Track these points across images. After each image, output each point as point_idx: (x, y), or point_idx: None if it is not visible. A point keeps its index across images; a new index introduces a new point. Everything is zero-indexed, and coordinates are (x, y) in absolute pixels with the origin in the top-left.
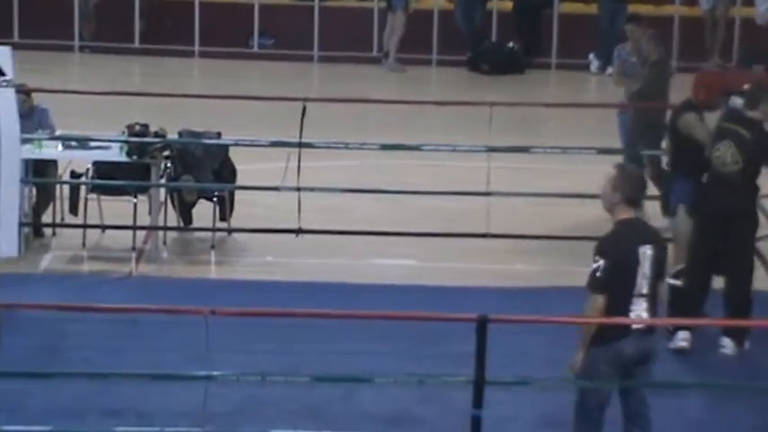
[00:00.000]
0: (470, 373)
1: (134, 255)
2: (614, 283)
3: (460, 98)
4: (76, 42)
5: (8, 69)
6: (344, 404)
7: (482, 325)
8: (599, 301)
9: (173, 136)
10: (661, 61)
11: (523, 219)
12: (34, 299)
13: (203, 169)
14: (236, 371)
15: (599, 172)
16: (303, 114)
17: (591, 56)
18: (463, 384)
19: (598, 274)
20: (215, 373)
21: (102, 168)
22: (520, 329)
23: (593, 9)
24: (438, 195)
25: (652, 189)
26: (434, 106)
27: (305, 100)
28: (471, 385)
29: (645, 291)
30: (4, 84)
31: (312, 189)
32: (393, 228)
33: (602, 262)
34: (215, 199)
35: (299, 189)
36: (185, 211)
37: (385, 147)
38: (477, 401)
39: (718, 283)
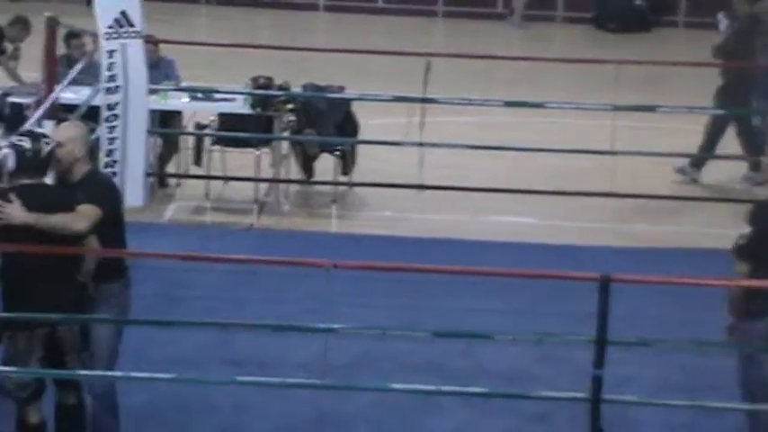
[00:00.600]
0: (590, 333)
1: (256, 207)
2: (760, 253)
3: (585, 56)
4: None
5: (137, 20)
6: (463, 360)
7: (604, 284)
8: (742, 268)
9: (296, 89)
10: (752, 17)
11: (647, 178)
12: (158, 248)
13: (326, 123)
14: (356, 324)
15: (728, 133)
16: (427, 70)
17: (719, 15)
18: (583, 344)
19: (743, 240)
20: (335, 325)
21: (226, 120)
22: (642, 290)
23: None
24: (561, 153)
25: None
26: (559, 64)
27: (429, 55)
28: (591, 345)
29: None
30: (133, 35)
31: (434, 145)
32: (515, 185)
33: (750, 229)
34: (337, 153)
35: (421, 144)
36: (307, 165)
37: (509, 104)
38: (599, 361)
39: None
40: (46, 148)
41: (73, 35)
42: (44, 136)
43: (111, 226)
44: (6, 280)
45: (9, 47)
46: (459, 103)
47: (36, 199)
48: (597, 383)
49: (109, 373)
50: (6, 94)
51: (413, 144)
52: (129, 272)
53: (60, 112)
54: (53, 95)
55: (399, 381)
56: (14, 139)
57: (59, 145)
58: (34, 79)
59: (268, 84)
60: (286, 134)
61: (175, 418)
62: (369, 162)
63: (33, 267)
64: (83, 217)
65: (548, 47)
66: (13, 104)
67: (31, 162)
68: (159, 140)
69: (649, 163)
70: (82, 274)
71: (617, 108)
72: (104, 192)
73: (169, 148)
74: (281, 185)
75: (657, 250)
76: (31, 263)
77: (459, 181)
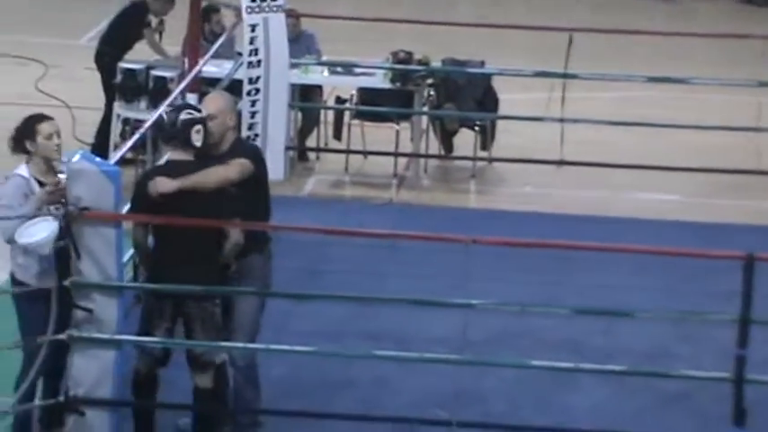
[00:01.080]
0: (734, 312)
1: (395, 181)
2: None
3: (731, 31)
4: None
5: None
6: (602, 338)
7: (749, 263)
8: None
9: (436, 64)
10: None
11: None
12: (298, 221)
13: (466, 98)
14: (495, 300)
15: None
16: (569, 45)
17: None
18: (726, 323)
19: None
20: (474, 301)
21: (365, 94)
22: None
23: None
24: (705, 130)
25: None
26: (703, 39)
27: (571, 30)
28: (734, 324)
29: None
30: (276, 8)
31: (575, 120)
32: (656, 162)
33: None
34: (477, 128)
35: (562, 120)
36: (447, 139)
37: (651, 79)
38: (742, 340)
39: None
40: (182, 118)
41: (212, 9)
42: (188, 106)
43: (259, 190)
44: (154, 261)
45: (153, 20)
46: (600, 79)
47: (183, 173)
48: (740, 363)
49: (250, 345)
50: (150, 68)
51: (553, 119)
52: (270, 244)
53: (203, 86)
54: (196, 69)
55: (538, 357)
56: (183, 114)
57: (211, 117)
58: (177, 53)
59: (408, 58)
60: (425, 109)
61: (315, 390)
62: (508, 137)
63: (179, 250)
64: (236, 165)
65: (691, 21)
66: (157, 78)
67: (167, 132)
68: (299, 114)
69: None
70: (225, 255)
71: (762, 84)
72: (254, 153)
73: (309, 122)
74: (421, 160)
75: None
76: (178, 244)
77: (599, 157)
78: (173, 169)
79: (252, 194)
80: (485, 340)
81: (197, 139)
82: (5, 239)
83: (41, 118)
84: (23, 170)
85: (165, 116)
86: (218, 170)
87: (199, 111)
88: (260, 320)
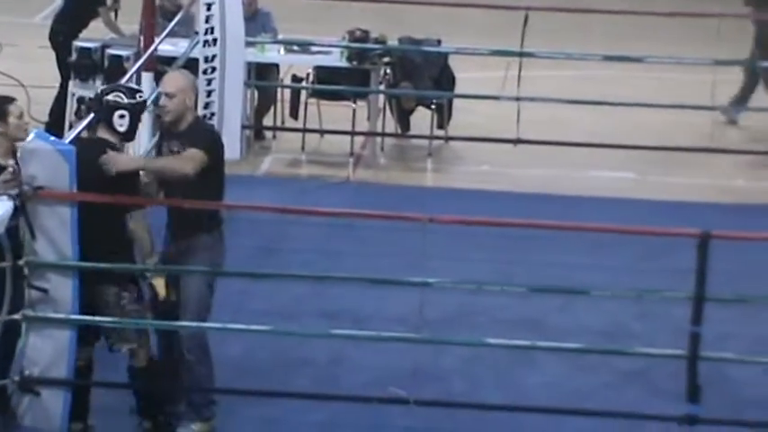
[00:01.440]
0: (689, 289)
1: (352, 160)
2: None
3: (687, 9)
4: None
5: None
6: (559, 316)
7: (704, 241)
8: None
9: (393, 42)
10: None
11: (747, 134)
12: (255, 200)
13: (422, 76)
14: (452, 278)
15: None
16: (525, 23)
17: None
18: (682, 300)
19: None
20: (431, 280)
21: (322, 73)
22: (741, 246)
23: None
24: (660, 108)
25: None
26: (659, 17)
27: (527, 9)
28: (690, 301)
29: None
30: None
31: (532, 99)
32: (612, 140)
33: None
34: (433, 106)
35: (518, 99)
36: (403, 118)
37: (608, 58)
38: (696, 318)
39: None
40: (107, 99)
41: None
42: (122, 89)
43: (213, 175)
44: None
45: None
46: (557, 57)
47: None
48: (695, 340)
49: (206, 324)
50: (105, 46)
51: (510, 98)
52: (222, 226)
53: (159, 65)
54: (152, 48)
55: (495, 336)
56: (111, 95)
57: (169, 96)
58: (133, 31)
59: (364, 37)
60: (382, 87)
61: (271, 369)
62: (465, 116)
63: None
64: (190, 160)
65: (648, 0)
66: (112, 56)
67: (93, 110)
68: (256, 93)
69: (750, 119)
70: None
71: (717, 62)
72: (211, 139)
73: (266, 100)
74: (377, 139)
75: (758, 206)
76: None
77: (556, 135)
78: (96, 146)
79: (206, 178)
80: (442, 319)
81: (120, 125)
82: None
83: (9, 99)
84: None
85: (97, 92)
86: (174, 162)
87: (135, 96)
88: (210, 301)
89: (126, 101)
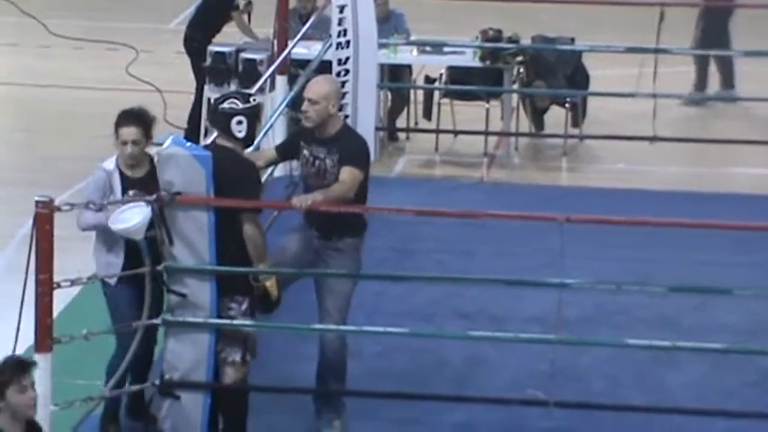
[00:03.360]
0: None
1: (486, 160)
2: None
3: None
4: None
5: None
6: (699, 314)
7: None
8: None
9: (526, 41)
10: None
11: None
12: (389, 202)
13: (556, 75)
14: (590, 278)
15: None
16: (661, 19)
17: None
18: None
19: None
20: (568, 280)
21: (455, 73)
22: None
23: None
24: None
25: None
26: None
27: (662, 5)
28: None
29: None
30: None
31: (668, 95)
32: (752, 136)
33: None
34: (567, 105)
35: (654, 95)
36: (537, 117)
37: (748, 53)
38: None
39: None
40: (222, 107)
41: None
42: (237, 95)
43: (362, 183)
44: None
45: (241, 1)
46: (693, 53)
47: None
48: None
49: (343, 327)
50: (239, 50)
51: (645, 95)
52: (366, 228)
53: (292, 68)
54: (285, 51)
55: (634, 335)
56: (226, 103)
57: (311, 102)
58: (266, 34)
59: (497, 36)
60: (515, 86)
61: (407, 370)
62: (600, 114)
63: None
64: (351, 182)
65: None
66: (246, 60)
67: (210, 118)
68: (389, 95)
69: None
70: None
71: None
72: (364, 152)
73: (399, 101)
74: (511, 138)
75: None
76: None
77: (693, 132)
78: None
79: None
80: (580, 319)
81: (238, 131)
82: (80, 228)
83: (126, 120)
84: (110, 162)
85: (211, 102)
86: (342, 190)
87: (249, 100)
88: (350, 302)
89: (241, 106)
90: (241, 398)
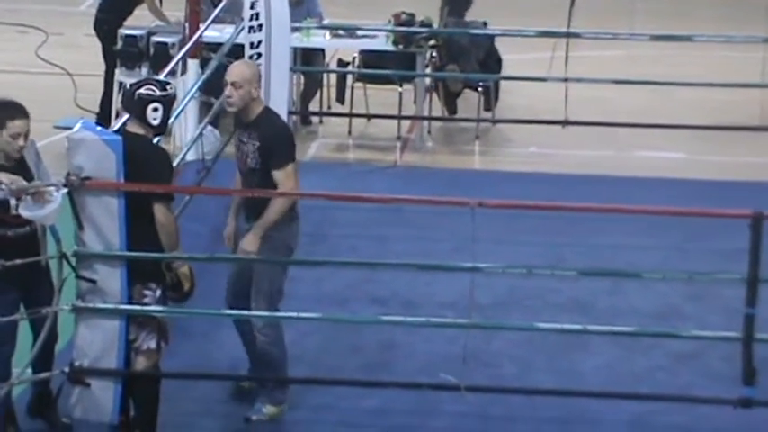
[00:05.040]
0: (741, 270)
1: (399, 144)
2: None
3: None
4: None
5: None
6: (610, 298)
7: (757, 221)
8: None
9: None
10: None
11: None
12: (302, 186)
13: (469, 59)
14: (502, 262)
15: None
16: (572, 3)
17: None
18: (734, 282)
19: None
20: (480, 264)
21: (368, 57)
22: None
23: None
24: (709, 87)
25: None
26: None
27: None
28: (743, 283)
29: None
30: None
31: (579, 80)
32: (661, 120)
33: None
34: (480, 89)
35: (566, 80)
36: (450, 101)
37: (655, 37)
38: (751, 300)
39: None
40: (139, 92)
41: None
42: (153, 81)
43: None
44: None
45: None
46: (603, 38)
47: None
48: (750, 322)
49: (252, 313)
50: (151, 33)
51: (557, 79)
52: (296, 206)
53: (204, 52)
54: (197, 34)
55: (546, 319)
56: (143, 89)
57: (234, 86)
58: (178, 18)
59: (410, 20)
60: (428, 71)
61: (322, 356)
62: (512, 98)
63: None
64: (292, 184)
65: None
66: (158, 44)
67: (125, 104)
68: (302, 78)
69: None
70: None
71: (766, 39)
72: (288, 139)
73: (312, 85)
74: (424, 122)
75: None
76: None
77: (604, 116)
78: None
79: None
80: (492, 303)
81: (153, 118)
82: None
83: (16, 112)
84: None
85: (127, 87)
86: (283, 205)
87: (166, 88)
88: (282, 281)
89: (159, 93)
90: (154, 385)
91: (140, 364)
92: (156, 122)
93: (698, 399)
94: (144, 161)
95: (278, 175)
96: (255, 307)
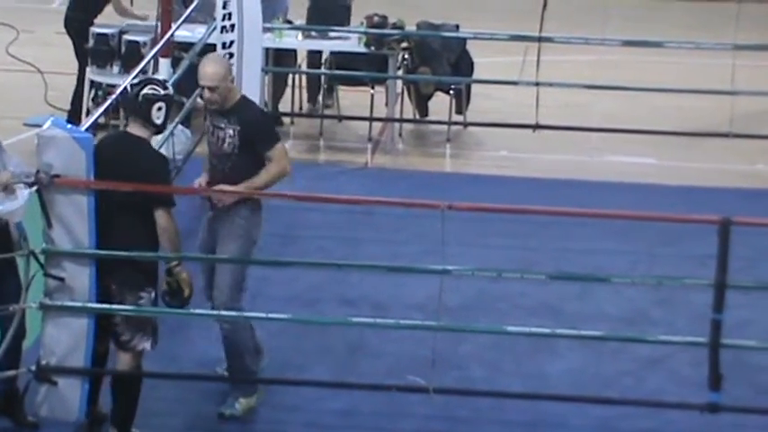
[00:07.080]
0: (709, 276)
1: (370, 146)
2: None
3: None
4: None
5: None
6: (579, 302)
7: (725, 227)
8: None
9: (411, 28)
10: None
11: None
12: (272, 187)
13: (440, 61)
14: (471, 265)
15: None
16: (544, 7)
17: None
18: (702, 287)
19: None
20: (450, 267)
21: (340, 59)
22: (763, 233)
23: None
24: (679, 93)
25: None
26: (678, 2)
27: None
28: (710, 288)
29: None
30: None
31: (551, 84)
32: (632, 125)
33: None
34: (451, 92)
35: (537, 84)
36: (421, 103)
37: (627, 43)
38: (718, 305)
39: None
40: (144, 93)
41: None
42: (154, 81)
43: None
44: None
45: None
46: (575, 42)
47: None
48: (716, 327)
49: (223, 312)
50: (123, 32)
51: (528, 83)
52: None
53: (176, 51)
54: (169, 34)
55: (515, 322)
56: (147, 89)
57: (212, 89)
58: (148, 16)
59: (382, 22)
60: (400, 73)
61: (289, 356)
62: (484, 101)
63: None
64: (284, 158)
65: None
66: (129, 42)
67: (128, 106)
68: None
69: None
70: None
71: (737, 47)
72: (269, 123)
73: (279, 85)
74: (396, 124)
75: None
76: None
77: (575, 120)
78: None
79: (249, 153)
80: (461, 306)
81: (158, 117)
82: None
83: None
84: None
85: (128, 88)
86: (276, 174)
87: (166, 86)
88: (245, 270)
89: (162, 92)
90: (137, 384)
91: (127, 363)
92: (159, 121)
93: (665, 404)
94: (144, 167)
95: (272, 154)
96: (217, 298)
